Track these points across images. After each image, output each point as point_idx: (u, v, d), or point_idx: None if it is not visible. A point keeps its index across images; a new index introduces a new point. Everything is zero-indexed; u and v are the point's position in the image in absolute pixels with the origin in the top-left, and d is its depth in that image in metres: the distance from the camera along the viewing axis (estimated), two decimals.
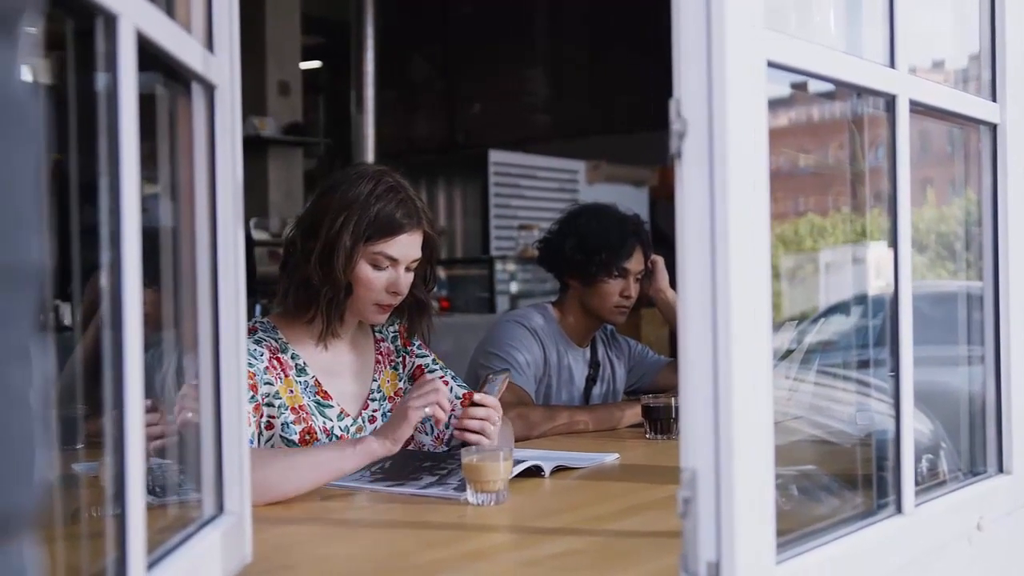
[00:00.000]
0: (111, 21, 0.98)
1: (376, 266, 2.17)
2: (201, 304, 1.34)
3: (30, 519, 0.54)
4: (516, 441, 2.59)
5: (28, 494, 0.53)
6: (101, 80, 1.00)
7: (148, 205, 1.08)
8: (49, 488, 0.58)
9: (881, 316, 1.76)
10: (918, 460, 1.59)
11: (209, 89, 1.33)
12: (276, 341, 2.20)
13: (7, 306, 0.51)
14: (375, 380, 2.33)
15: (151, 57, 1.10)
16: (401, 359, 2.39)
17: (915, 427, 1.54)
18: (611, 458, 2.32)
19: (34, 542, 0.55)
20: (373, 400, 2.32)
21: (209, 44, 1.33)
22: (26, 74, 0.53)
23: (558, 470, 2.14)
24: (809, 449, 1.81)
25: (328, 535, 1.72)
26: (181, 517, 1.36)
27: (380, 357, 2.36)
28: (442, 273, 7.53)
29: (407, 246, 2.19)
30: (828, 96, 1.70)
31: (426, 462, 2.12)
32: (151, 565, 1.08)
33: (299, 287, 2.18)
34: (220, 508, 1.35)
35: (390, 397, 2.34)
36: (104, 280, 1.00)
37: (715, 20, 1.15)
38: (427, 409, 1.96)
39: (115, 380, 0.99)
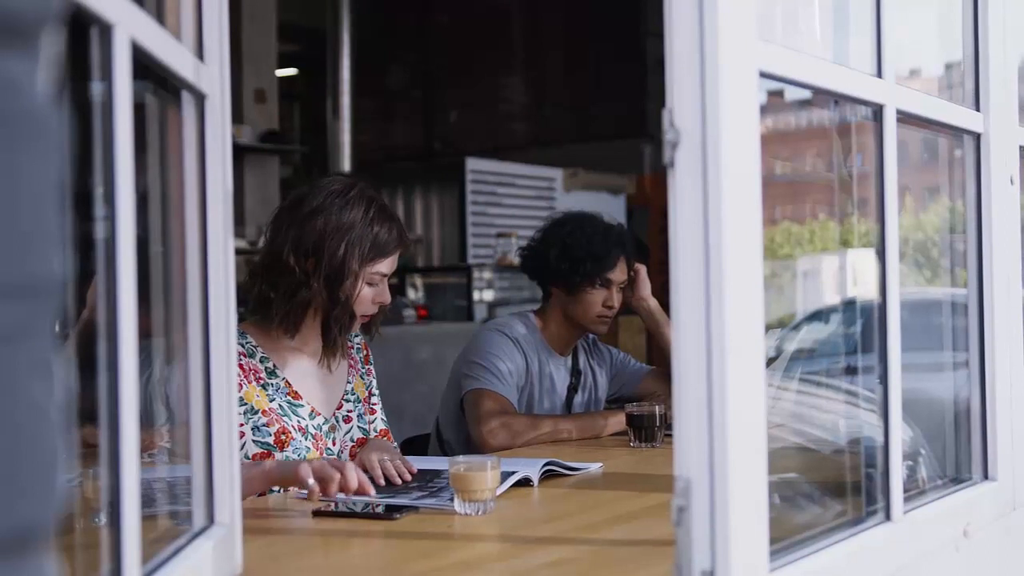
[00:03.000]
0: (106, 30, 0.98)
1: (370, 284, 2.27)
2: (191, 316, 1.33)
3: (51, 532, 0.53)
4: (500, 451, 2.60)
5: (50, 508, 0.53)
6: (95, 89, 1.00)
7: (137, 214, 1.07)
8: (67, 501, 0.57)
9: (861, 323, 1.77)
10: None
11: (200, 98, 1.32)
12: (243, 346, 2.24)
13: (29, 319, 0.51)
14: (349, 382, 2.40)
15: (142, 66, 1.10)
16: (366, 370, 2.49)
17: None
18: (595, 467, 2.33)
19: (54, 555, 0.55)
20: (348, 400, 2.39)
21: (200, 53, 1.33)
22: (46, 85, 0.53)
23: (547, 476, 2.15)
24: (795, 457, 1.81)
25: (318, 546, 1.71)
26: (170, 528, 1.35)
27: (352, 361, 2.44)
28: (419, 281, 7.52)
29: (395, 261, 2.32)
30: (803, 104, 1.71)
31: (413, 481, 2.12)
32: None
33: (299, 308, 2.24)
34: (211, 519, 1.34)
35: (363, 400, 2.43)
36: (98, 289, 0.99)
37: (708, 31, 1.15)
38: (311, 481, 1.86)
39: (110, 392, 0.98)
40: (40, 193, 0.52)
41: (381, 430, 2.45)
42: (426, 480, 2.12)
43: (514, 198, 8.10)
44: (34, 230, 0.51)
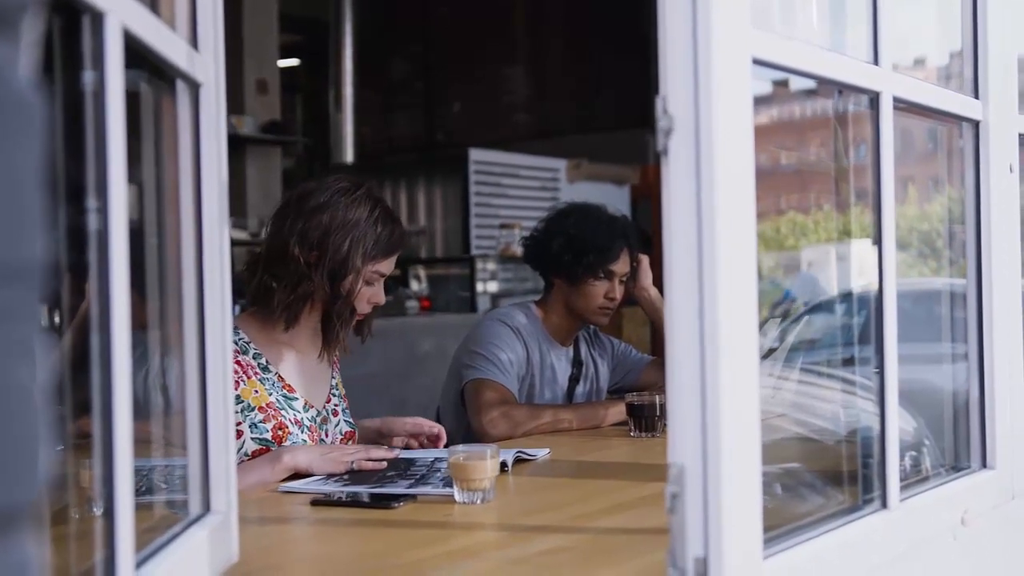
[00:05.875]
0: (98, 18, 0.98)
1: (368, 283, 2.29)
2: (187, 305, 1.33)
3: (33, 515, 0.54)
4: (500, 440, 2.60)
5: (32, 490, 0.54)
6: (87, 78, 1.00)
7: (131, 205, 1.07)
8: (50, 485, 0.58)
9: (864, 314, 1.77)
10: (901, 457, 1.60)
11: (194, 87, 1.32)
12: (236, 343, 2.24)
13: (12, 302, 0.51)
14: (334, 377, 2.45)
15: (135, 54, 1.09)
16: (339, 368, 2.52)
17: (898, 424, 1.55)
18: (543, 452, 2.36)
19: (36, 537, 0.55)
20: (334, 395, 2.43)
21: (194, 42, 1.33)
22: (27, 71, 0.53)
23: (517, 463, 2.19)
24: (794, 447, 1.81)
25: (314, 535, 1.72)
26: (165, 516, 1.36)
27: (336, 358, 2.47)
28: (422, 272, 7.52)
29: (393, 262, 2.35)
30: (808, 94, 1.71)
31: (389, 470, 2.12)
32: (139, 564, 1.07)
33: (301, 300, 2.25)
34: (207, 507, 1.35)
35: (344, 396, 2.47)
36: (91, 281, 0.99)
37: (701, 17, 1.15)
38: (354, 465, 2.12)
39: (103, 382, 0.99)
40: (22, 178, 0.52)
41: (346, 432, 2.44)
42: (407, 466, 2.14)
43: (518, 189, 8.09)
44: (16, 215, 0.52)
